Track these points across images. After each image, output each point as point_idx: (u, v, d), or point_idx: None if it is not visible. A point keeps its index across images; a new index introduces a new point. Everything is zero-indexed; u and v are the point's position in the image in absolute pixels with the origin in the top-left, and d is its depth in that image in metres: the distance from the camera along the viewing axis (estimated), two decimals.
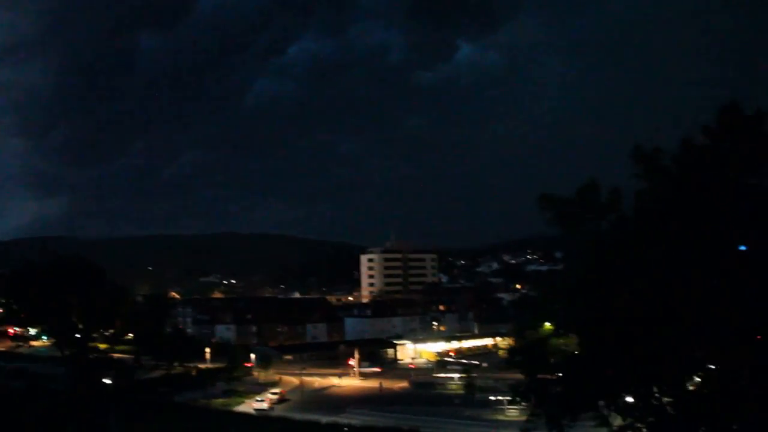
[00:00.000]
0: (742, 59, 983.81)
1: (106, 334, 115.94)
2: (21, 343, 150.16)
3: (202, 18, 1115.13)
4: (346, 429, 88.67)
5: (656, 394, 31.09)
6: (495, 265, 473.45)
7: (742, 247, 29.08)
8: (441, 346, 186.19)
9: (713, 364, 30.45)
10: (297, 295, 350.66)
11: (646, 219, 30.54)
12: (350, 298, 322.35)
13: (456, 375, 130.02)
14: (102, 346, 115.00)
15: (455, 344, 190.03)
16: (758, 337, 27.39)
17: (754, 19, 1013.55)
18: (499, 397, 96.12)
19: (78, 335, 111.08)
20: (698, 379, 30.99)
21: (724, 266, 28.55)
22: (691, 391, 30.59)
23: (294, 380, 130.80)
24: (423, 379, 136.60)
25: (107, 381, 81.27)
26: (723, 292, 27.80)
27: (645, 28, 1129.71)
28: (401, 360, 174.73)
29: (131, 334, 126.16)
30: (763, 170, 28.79)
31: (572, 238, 35.23)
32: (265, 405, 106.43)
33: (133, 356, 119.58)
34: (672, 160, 30.18)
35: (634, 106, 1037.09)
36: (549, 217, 33.52)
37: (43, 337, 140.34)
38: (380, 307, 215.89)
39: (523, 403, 37.87)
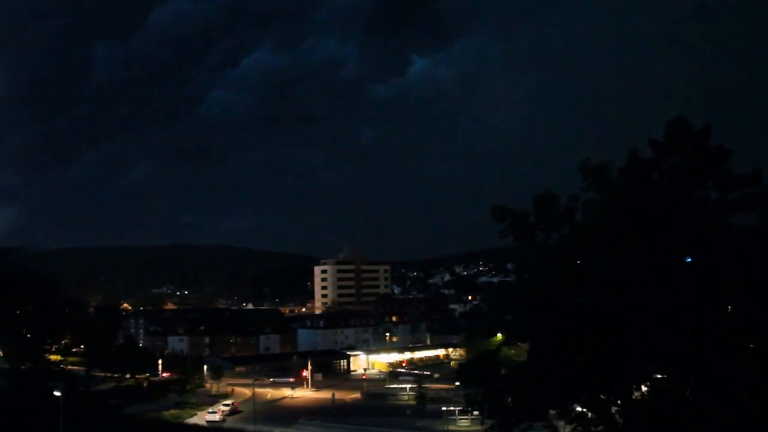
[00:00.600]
0: (694, 74, 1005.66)
1: (57, 345, 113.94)
2: None
3: (157, 29, 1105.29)
4: None
5: (605, 403, 31.32)
6: (447, 277, 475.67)
7: (688, 259, 29.53)
8: (393, 356, 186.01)
9: (660, 374, 30.76)
10: (250, 306, 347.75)
11: (594, 231, 30.80)
12: (303, 310, 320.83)
13: (408, 386, 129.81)
14: (53, 357, 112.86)
15: (408, 355, 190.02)
16: (704, 346, 27.74)
17: (708, 35, 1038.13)
18: (451, 408, 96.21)
19: (28, 347, 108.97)
20: (646, 389, 31.25)
21: (670, 277, 28.92)
22: (639, 400, 30.86)
23: (246, 392, 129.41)
24: (375, 389, 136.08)
25: (57, 393, 79.23)
26: (669, 302, 28.13)
27: (596, 42, 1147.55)
28: (354, 371, 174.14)
29: (82, 346, 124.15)
30: (708, 183, 29.26)
31: (524, 250, 35.44)
32: (217, 417, 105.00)
33: (84, 368, 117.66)
34: (619, 172, 30.53)
35: (587, 119, 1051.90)
36: (501, 228, 33.69)
37: None
38: (333, 318, 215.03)
39: (476, 413, 37.88)
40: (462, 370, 37.68)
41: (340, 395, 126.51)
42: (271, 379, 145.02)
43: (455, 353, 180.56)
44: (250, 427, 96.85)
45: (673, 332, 27.78)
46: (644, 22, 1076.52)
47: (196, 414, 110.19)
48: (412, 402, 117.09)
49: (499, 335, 38.49)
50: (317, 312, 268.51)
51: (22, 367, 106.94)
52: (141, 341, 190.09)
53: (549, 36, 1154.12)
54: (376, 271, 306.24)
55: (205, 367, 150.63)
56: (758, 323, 27.41)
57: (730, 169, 28.69)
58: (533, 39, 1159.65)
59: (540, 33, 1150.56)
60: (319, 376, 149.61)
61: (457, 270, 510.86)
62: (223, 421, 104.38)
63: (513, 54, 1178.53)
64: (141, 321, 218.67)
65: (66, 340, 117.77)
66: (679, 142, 28.77)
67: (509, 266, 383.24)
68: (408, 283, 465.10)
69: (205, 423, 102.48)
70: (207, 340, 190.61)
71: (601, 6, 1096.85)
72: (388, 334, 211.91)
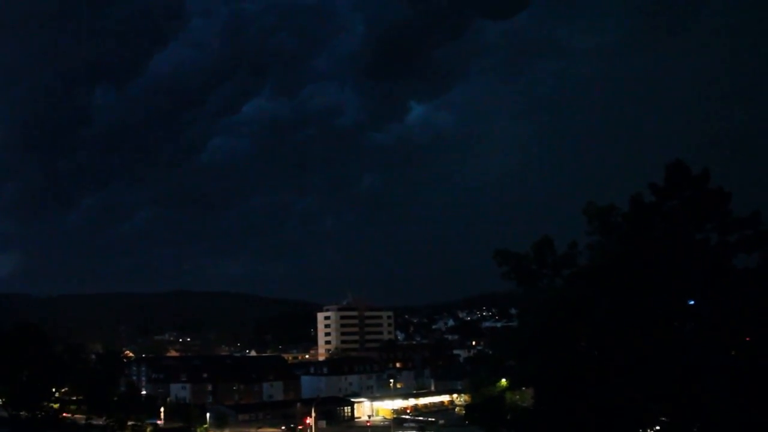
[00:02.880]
0: (692, 117, 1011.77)
1: (57, 393, 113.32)
2: None
3: (157, 75, 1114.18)
4: None
5: None
6: (451, 322, 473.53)
7: (691, 301, 29.69)
8: (398, 403, 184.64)
9: (666, 417, 30.72)
10: (253, 353, 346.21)
11: (597, 275, 31.01)
12: (307, 356, 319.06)
13: None
14: (53, 405, 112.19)
15: (412, 401, 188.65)
16: (708, 389, 27.78)
17: (703, 77, 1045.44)
18: None
19: (27, 395, 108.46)
20: None
21: (673, 320, 29.08)
22: None
23: None
24: None
25: None
26: (672, 346, 28.25)
27: (593, 87, 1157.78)
28: (358, 418, 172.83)
29: (83, 394, 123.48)
30: (708, 226, 29.53)
31: (527, 294, 35.64)
32: None
33: (85, 416, 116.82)
34: (622, 217, 30.86)
35: (587, 163, 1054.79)
36: (504, 272, 33.93)
37: None
38: (337, 364, 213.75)
39: None
40: (469, 411, 37.72)
41: None
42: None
43: (460, 399, 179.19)
44: None
45: (678, 376, 27.85)
46: (640, 66, 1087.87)
47: None
48: None
49: (504, 380, 38.54)
50: (321, 358, 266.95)
51: (22, 414, 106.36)
52: (143, 389, 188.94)
53: (546, 82, 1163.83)
54: (380, 317, 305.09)
55: (208, 415, 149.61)
56: (763, 365, 27.49)
57: (729, 212, 28.97)
58: (530, 85, 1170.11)
59: (537, 79, 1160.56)
60: (322, 424, 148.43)
61: (461, 315, 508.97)
62: None
63: (511, 100, 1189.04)
64: (143, 368, 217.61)
65: (66, 388, 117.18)
66: (678, 185, 29.09)
67: (513, 311, 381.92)
68: (412, 328, 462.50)
69: None
70: (210, 387, 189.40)
71: (597, 51, 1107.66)
72: (392, 380, 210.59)
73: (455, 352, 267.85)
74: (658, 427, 30.94)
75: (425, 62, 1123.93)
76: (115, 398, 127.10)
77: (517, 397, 49.61)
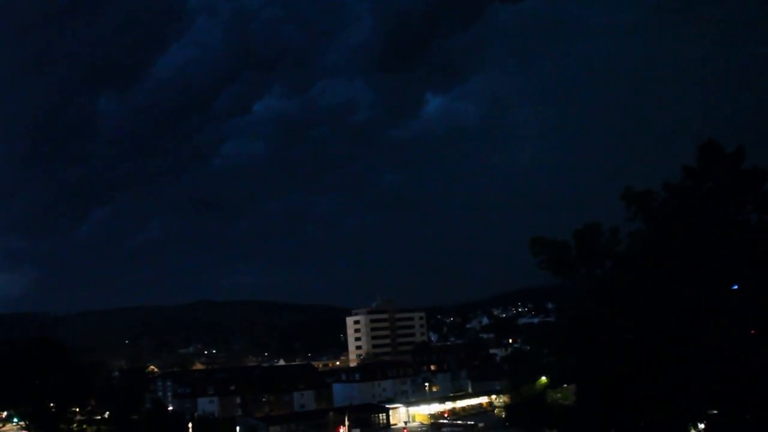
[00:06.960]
0: (717, 93, 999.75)
1: (82, 412, 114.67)
2: None
3: (162, 78, 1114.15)
4: None
5: None
6: (485, 320, 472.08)
7: (734, 287, 29.49)
8: (435, 407, 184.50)
9: (716, 410, 30.56)
10: (281, 362, 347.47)
11: (638, 264, 30.89)
12: (338, 363, 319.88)
13: None
14: (79, 426, 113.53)
15: (449, 405, 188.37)
16: (758, 379, 27.58)
17: (730, 54, 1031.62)
18: None
19: (51, 416, 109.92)
20: (702, 426, 31.06)
21: (718, 309, 28.86)
22: None
23: None
24: None
25: None
26: (718, 335, 28.07)
27: (614, 68, 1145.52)
28: (394, 424, 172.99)
29: (109, 412, 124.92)
30: (747, 207, 29.24)
31: (566, 285, 35.55)
32: None
33: None
34: (659, 204, 30.68)
35: (615, 147, 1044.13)
36: (541, 261, 33.87)
37: (14, 419, 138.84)
38: (369, 370, 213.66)
39: None
40: (510, 412, 37.81)
41: None
42: None
43: (499, 400, 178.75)
44: None
45: (725, 367, 27.68)
46: (666, 43, 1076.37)
47: None
48: None
49: (544, 378, 38.48)
50: (352, 365, 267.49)
51: None
52: (169, 404, 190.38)
53: (566, 64, 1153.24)
54: (411, 318, 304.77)
55: (238, 428, 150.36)
56: None
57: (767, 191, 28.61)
58: (551, 68, 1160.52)
59: (557, 61, 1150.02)
60: None
61: (495, 313, 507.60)
62: None
63: (532, 85, 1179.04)
64: (168, 383, 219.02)
65: (91, 407, 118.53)
66: (712, 166, 28.79)
67: (549, 305, 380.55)
68: (445, 329, 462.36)
69: None
70: (238, 400, 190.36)
71: (618, 29, 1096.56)
72: (427, 384, 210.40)
73: (491, 351, 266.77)
74: (705, 423, 30.79)
75: (438, 52, 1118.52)
76: (141, 416, 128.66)
77: (559, 395, 49.49)
